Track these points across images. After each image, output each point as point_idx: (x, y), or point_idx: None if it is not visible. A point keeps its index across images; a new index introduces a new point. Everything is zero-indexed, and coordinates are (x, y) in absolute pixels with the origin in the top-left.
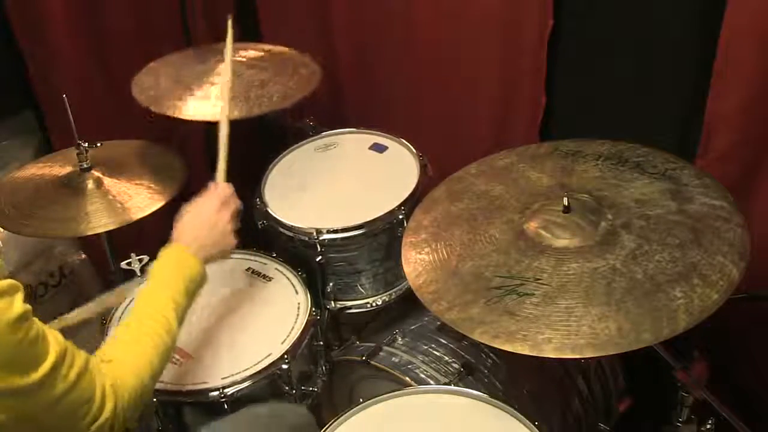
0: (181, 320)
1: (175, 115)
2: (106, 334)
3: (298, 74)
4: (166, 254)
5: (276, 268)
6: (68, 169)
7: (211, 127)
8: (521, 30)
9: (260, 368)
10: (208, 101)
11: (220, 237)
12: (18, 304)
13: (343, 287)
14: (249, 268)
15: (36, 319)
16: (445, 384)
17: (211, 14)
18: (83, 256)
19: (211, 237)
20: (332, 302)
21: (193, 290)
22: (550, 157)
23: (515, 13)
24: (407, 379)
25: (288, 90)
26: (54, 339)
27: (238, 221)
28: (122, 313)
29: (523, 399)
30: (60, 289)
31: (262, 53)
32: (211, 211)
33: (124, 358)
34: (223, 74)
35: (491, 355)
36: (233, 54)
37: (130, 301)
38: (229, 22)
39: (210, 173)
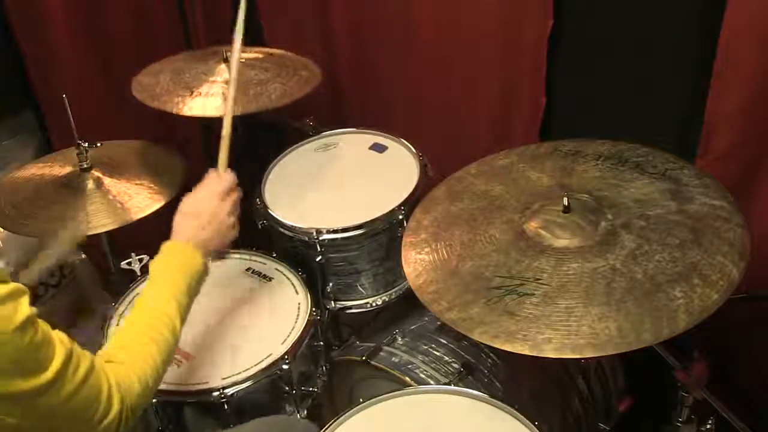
0: (183, 318)
1: (176, 112)
2: (106, 336)
3: (298, 75)
4: (166, 250)
5: (276, 268)
6: (68, 169)
7: (211, 126)
8: (521, 30)
9: (260, 368)
10: (210, 98)
11: (222, 228)
12: (24, 308)
13: (343, 287)
14: (249, 268)
15: (42, 322)
16: (445, 384)
17: (211, 14)
18: (83, 256)
19: (212, 228)
20: (332, 302)
21: (194, 286)
22: (550, 157)
23: (515, 13)
24: (407, 379)
25: (287, 89)
26: (60, 341)
27: (239, 210)
28: (123, 313)
29: (523, 399)
30: (60, 289)
31: (264, 55)
32: (212, 201)
33: (127, 359)
34: (230, 64)
35: (491, 355)
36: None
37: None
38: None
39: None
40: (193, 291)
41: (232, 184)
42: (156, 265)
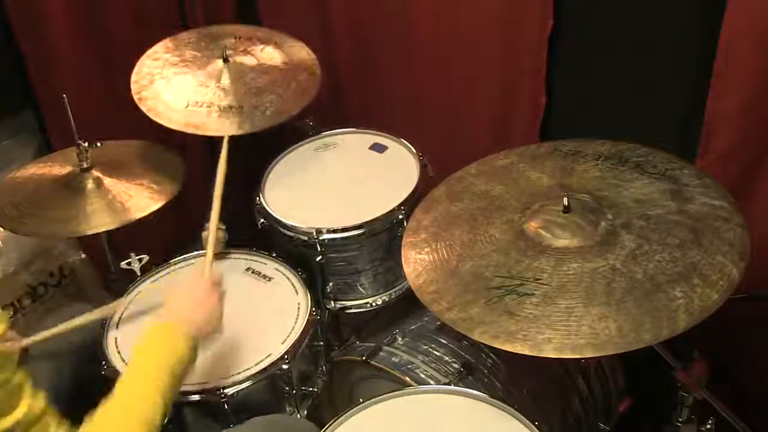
0: (167, 404)
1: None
2: (106, 338)
3: (295, 81)
4: (155, 332)
5: (276, 268)
6: (68, 169)
7: None
8: (521, 30)
9: (260, 368)
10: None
11: (211, 316)
12: None
13: (343, 287)
14: (249, 268)
15: (22, 373)
16: (445, 384)
17: (212, 13)
18: (83, 256)
19: (202, 315)
20: (332, 302)
21: (180, 373)
22: (550, 157)
23: (515, 13)
24: (407, 379)
25: (283, 102)
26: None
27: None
28: (120, 317)
29: (523, 399)
30: (60, 289)
31: (261, 46)
32: (202, 290)
33: None
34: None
35: (491, 355)
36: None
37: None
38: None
39: (210, 173)
40: (178, 376)
41: (219, 278)
42: (142, 346)
